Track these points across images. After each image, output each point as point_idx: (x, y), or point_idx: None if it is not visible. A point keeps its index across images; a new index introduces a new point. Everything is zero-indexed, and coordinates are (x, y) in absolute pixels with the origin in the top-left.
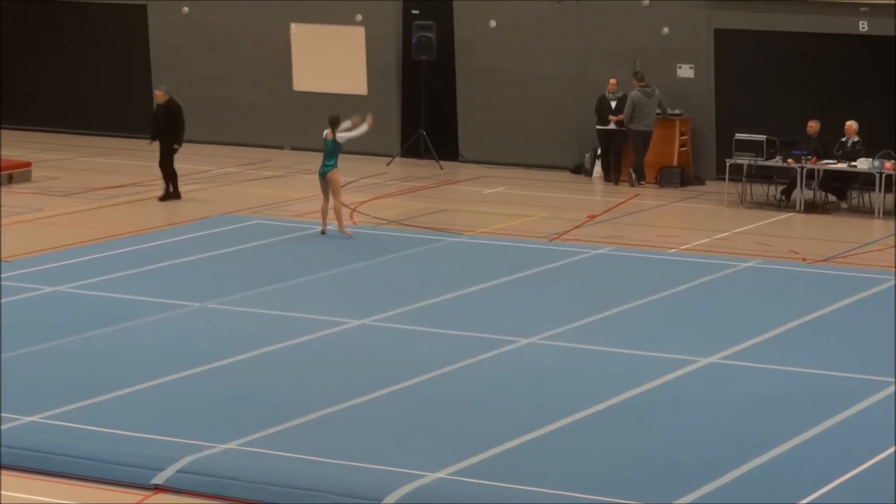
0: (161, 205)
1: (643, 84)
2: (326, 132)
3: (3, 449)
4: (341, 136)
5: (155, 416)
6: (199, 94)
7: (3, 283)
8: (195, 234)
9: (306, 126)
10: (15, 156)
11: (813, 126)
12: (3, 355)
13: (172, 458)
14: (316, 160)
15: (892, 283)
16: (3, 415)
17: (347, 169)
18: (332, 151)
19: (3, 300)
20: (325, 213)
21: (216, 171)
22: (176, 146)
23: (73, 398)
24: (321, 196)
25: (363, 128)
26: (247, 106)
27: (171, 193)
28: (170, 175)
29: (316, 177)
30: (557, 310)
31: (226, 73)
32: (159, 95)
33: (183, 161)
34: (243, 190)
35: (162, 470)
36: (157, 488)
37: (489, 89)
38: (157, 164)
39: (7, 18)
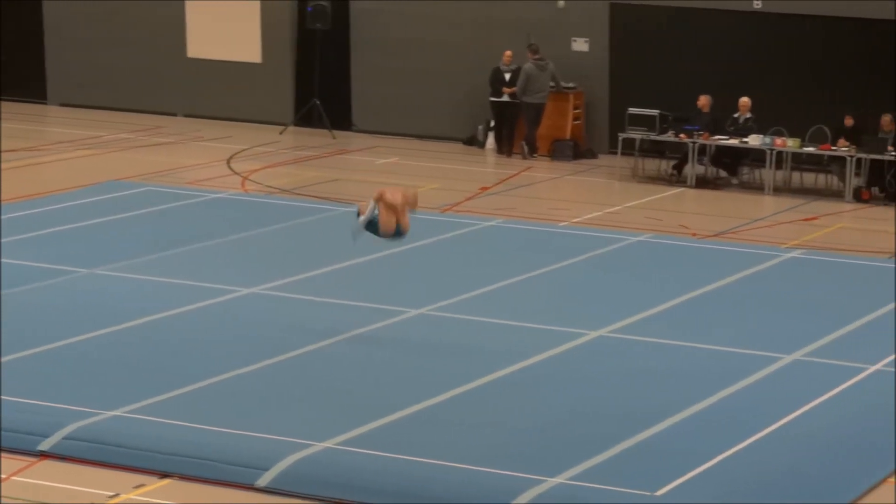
0: (52, 170)
1: (537, 57)
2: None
3: None
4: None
5: (41, 382)
6: (91, 59)
7: None
8: (85, 200)
9: (199, 93)
10: None
11: (703, 101)
12: None
13: (59, 425)
14: (209, 127)
15: (781, 258)
16: None
17: (239, 137)
18: None
19: None
20: None
21: (108, 137)
22: None
23: None
24: None
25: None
26: (140, 72)
27: None
28: None
29: (207, 144)
30: (448, 281)
31: (119, 39)
32: None
33: (75, 126)
34: (135, 156)
35: (48, 437)
36: (43, 454)
37: (383, 59)
38: (50, 129)
39: None
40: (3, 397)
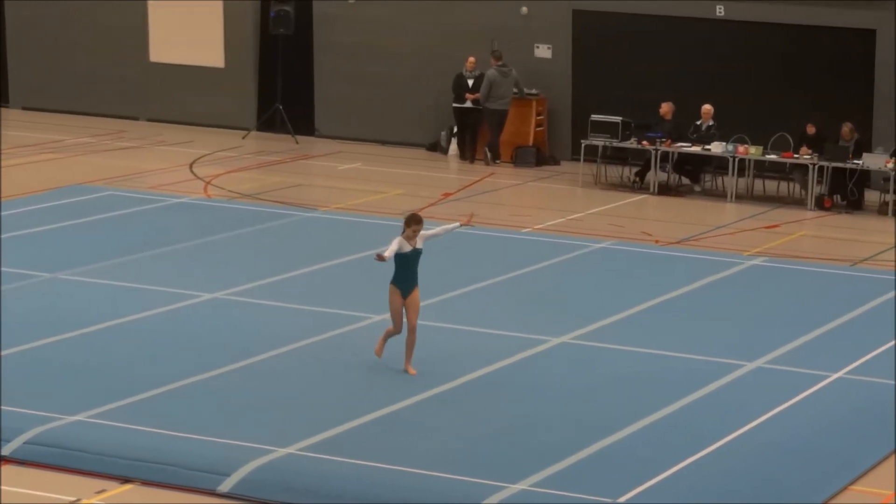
0: (14, 174)
1: (500, 63)
2: (406, 241)
3: None
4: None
5: (3, 386)
6: (54, 62)
7: None
8: (48, 204)
9: (162, 97)
10: None
11: (665, 108)
12: None
13: (20, 430)
14: (171, 132)
15: (743, 266)
16: None
17: (201, 142)
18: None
19: None
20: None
21: (70, 141)
22: None
23: None
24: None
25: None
26: (102, 76)
27: None
28: None
29: (169, 148)
30: None
31: (81, 43)
32: None
33: (37, 130)
34: (97, 160)
35: (9, 441)
36: (4, 459)
37: (347, 65)
38: (12, 132)
39: None
40: None
